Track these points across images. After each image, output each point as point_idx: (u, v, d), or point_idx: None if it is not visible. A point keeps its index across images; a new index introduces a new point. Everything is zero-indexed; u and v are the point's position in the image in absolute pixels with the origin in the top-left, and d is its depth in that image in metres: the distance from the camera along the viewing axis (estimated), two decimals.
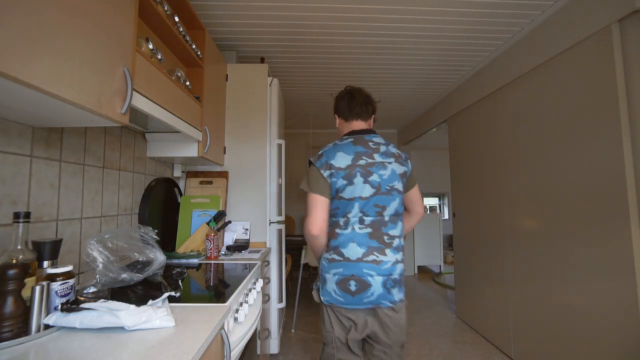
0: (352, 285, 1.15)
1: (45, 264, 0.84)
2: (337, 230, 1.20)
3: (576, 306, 1.69)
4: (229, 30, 2.10)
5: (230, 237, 2.03)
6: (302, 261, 2.85)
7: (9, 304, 0.69)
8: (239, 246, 1.92)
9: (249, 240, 2.06)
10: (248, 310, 1.14)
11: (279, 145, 2.26)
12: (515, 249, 2.20)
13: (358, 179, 1.16)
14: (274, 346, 2.12)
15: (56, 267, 0.81)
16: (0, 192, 0.89)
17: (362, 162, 1.17)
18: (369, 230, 1.17)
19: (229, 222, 1.98)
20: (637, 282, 1.38)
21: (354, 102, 1.29)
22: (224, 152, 2.14)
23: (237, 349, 1.00)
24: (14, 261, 0.76)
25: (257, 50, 2.37)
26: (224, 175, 2.11)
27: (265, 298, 1.77)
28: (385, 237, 1.18)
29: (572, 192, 1.72)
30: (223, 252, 1.88)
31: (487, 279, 2.56)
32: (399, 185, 1.21)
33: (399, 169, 1.21)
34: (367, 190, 1.16)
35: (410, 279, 4.58)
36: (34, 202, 0.99)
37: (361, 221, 1.18)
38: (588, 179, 1.63)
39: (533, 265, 2.02)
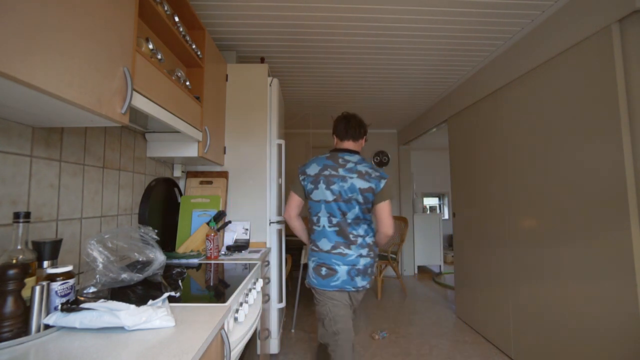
0: (323, 271, 1.49)
1: (45, 264, 0.84)
2: (314, 227, 1.55)
3: (576, 306, 1.69)
4: (229, 30, 2.10)
5: (230, 237, 2.03)
6: (302, 261, 2.85)
7: (9, 304, 0.70)
8: (239, 246, 1.92)
9: (249, 240, 2.06)
10: (248, 310, 1.14)
11: (279, 145, 2.26)
12: (515, 249, 2.20)
13: (321, 185, 1.48)
14: (274, 346, 2.12)
15: (56, 267, 0.81)
16: (0, 192, 0.89)
17: (326, 172, 1.49)
18: (336, 228, 1.49)
19: (229, 222, 1.98)
20: (637, 282, 1.38)
21: (349, 125, 1.58)
22: (224, 152, 2.14)
23: (237, 349, 1.00)
24: (14, 261, 0.76)
25: (257, 50, 2.37)
26: (224, 175, 2.11)
27: (265, 298, 1.77)
28: (351, 236, 1.49)
29: (572, 192, 1.72)
30: (223, 252, 1.88)
31: (487, 279, 2.56)
32: (358, 197, 1.46)
33: (362, 184, 1.46)
34: (329, 196, 1.47)
35: (410, 279, 4.58)
36: (34, 202, 0.99)
37: (330, 221, 1.50)
38: (588, 179, 1.63)
39: (533, 265, 2.02)
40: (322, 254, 1.50)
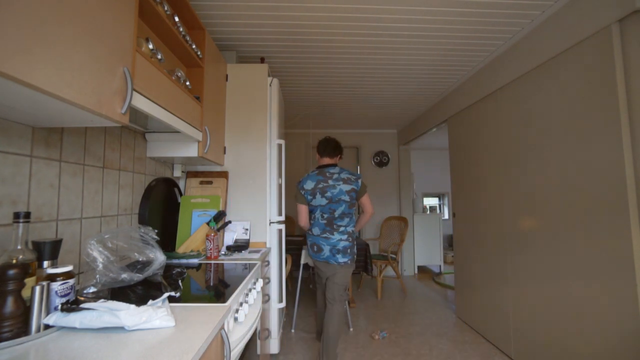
0: (315, 248, 2.11)
1: (45, 264, 0.84)
2: (311, 221, 2.15)
3: (576, 306, 1.69)
4: (229, 30, 2.10)
5: (230, 237, 2.03)
6: (302, 261, 2.85)
7: (9, 304, 0.70)
8: (239, 246, 1.92)
9: (249, 240, 2.06)
10: (248, 310, 1.14)
11: (279, 145, 2.26)
12: (515, 248, 2.20)
13: (318, 195, 2.05)
14: (274, 346, 2.12)
15: (56, 267, 0.81)
16: (0, 192, 0.89)
17: (320, 185, 2.05)
18: (325, 221, 2.07)
19: (229, 222, 1.98)
20: (637, 282, 1.38)
21: (327, 146, 2.17)
22: (224, 152, 2.14)
23: (237, 349, 1.00)
24: (14, 261, 0.76)
25: (257, 50, 2.37)
26: (224, 175, 2.11)
27: (265, 298, 1.77)
28: (335, 226, 2.06)
29: (572, 192, 1.72)
30: (223, 252, 1.88)
31: (487, 279, 2.56)
32: (345, 197, 2.03)
33: (346, 187, 2.04)
34: (324, 201, 2.04)
35: (410, 279, 4.59)
36: (34, 202, 0.99)
37: (322, 216, 2.08)
38: (588, 179, 1.63)
39: (533, 265, 2.02)
40: (314, 237, 2.11)
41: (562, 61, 1.79)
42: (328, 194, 2.02)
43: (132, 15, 1.02)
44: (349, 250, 2.05)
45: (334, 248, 2.04)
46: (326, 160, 2.18)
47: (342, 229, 2.05)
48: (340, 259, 2.03)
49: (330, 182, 2.05)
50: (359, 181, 2.08)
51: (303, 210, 2.13)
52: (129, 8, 1.00)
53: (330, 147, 2.17)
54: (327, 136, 2.25)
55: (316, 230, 2.10)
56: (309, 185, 2.07)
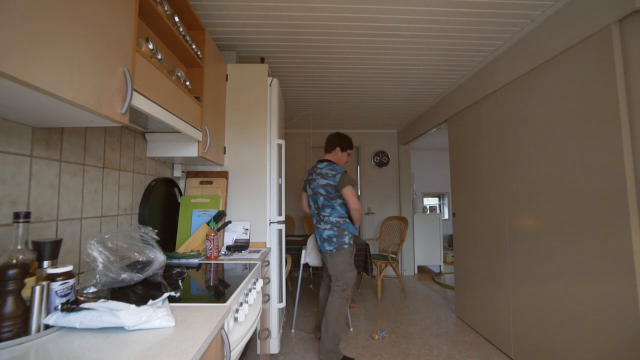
0: (315, 238, 2.34)
1: (45, 264, 0.84)
2: (310, 212, 2.43)
3: (576, 306, 1.69)
4: (229, 30, 2.10)
5: (230, 237, 2.03)
6: (302, 261, 2.85)
7: (9, 304, 0.70)
8: (239, 246, 1.92)
9: (249, 240, 2.06)
10: (248, 310, 1.14)
11: (279, 145, 2.26)
12: (515, 249, 2.20)
13: (307, 186, 2.37)
14: (274, 346, 2.12)
15: (56, 267, 0.81)
16: (0, 192, 0.89)
17: (309, 177, 2.35)
18: (315, 211, 2.32)
19: (229, 222, 1.98)
20: (637, 282, 1.38)
21: (327, 142, 2.41)
22: (224, 152, 2.14)
23: (237, 349, 1.00)
24: (14, 261, 0.76)
25: (257, 50, 2.37)
26: (224, 175, 2.11)
27: (265, 298, 1.77)
28: (320, 216, 2.26)
29: (572, 192, 1.72)
30: (223, 252, 1.88)
31: (487, 279, 2.56)
32: (321, 190, 2.22)
33: (322, 181, 2.21)
34: (310, 192, 2.33)
35: (410, 279, 4.59)
36: (34, 202, 0.99)
37: (313, 207, 2.33)
38: (588, 179, 1.63)
39: (533, 265, 2.02)
40: (314, 227, 2.33)
41: (562, 61, 1.79)
42: (312, 186, 2.28)
43: (132, 14, 1.01)
44: (334, 239, 2.18)
45: (321, 237, 2.24)
46: (326, 155, 2.40)
47: (326, 218, 2.23)
48: (327, 246, 2.20)
49: (314, 175, 2.28)
50: (337, 176, 2.16)
51: (303, 196, 2.50)
52: (129, 7, 1.00)
53: (328, 143, 2.40)
54: (335, 132, 2.44)
55: (314, 221, 2.36)
56: (305, 176, 2.45)
